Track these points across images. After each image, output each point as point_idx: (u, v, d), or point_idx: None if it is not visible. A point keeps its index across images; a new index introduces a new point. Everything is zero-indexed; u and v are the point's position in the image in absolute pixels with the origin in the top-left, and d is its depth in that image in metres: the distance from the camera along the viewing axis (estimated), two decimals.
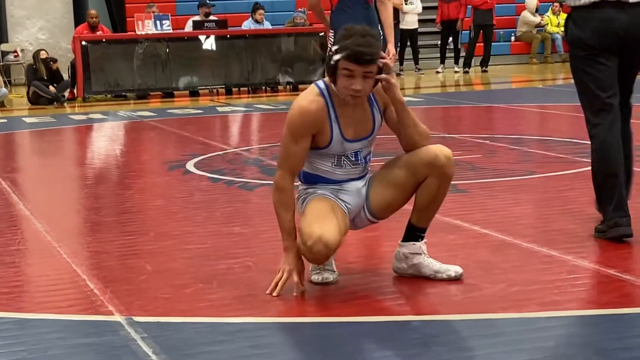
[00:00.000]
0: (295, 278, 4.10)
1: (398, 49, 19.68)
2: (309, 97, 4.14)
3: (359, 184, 4.35)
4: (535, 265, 4.51)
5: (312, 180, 4.33)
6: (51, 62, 15.43)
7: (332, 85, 4.10)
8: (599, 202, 5.02)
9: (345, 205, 4.25)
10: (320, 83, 4.19)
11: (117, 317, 3.89)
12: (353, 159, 4.30)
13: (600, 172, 4.92)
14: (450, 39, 19.60)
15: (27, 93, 15.65)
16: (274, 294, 4.08)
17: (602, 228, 4.93)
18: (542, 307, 3.81)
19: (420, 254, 4.31)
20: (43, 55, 15.60)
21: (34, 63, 15.63)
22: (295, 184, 4.29)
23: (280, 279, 4.11)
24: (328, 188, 4.27)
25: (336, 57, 3.98)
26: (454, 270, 4.26)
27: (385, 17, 7.08)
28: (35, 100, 15.34)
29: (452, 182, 6.52)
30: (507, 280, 4.25)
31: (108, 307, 4.04)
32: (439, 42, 20.10)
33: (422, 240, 4.33)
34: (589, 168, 6.31)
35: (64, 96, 15.43)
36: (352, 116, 4.20)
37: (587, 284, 4.15)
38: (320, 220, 4.09)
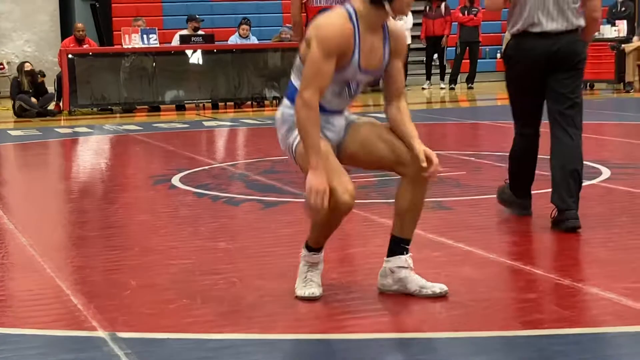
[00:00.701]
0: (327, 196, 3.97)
1: None
2: (342, 19, 4.10)
3: (342, 121, 4.33)
4: (519, 283, 4.54)
5: None
6: (39, 76, 15.42)
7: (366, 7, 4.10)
8: (516, 191, 6.02)
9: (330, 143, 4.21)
10: (349, 8, 4.14)
11: (101, 333, 3.88)
12: (353, 89, 4.28)
13: (519, 169, 5.99)
14: (436, 55, 19.66)
15: (13, 106, 15.62)
16: (325, 205, 3.95)
17: (509, 198, 6.07)
18: (526, 326, 3.82)
19: (406, 267, 4.30)
20: (27, 67, 15.58)
21: (18, 76, 15.61)
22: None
23: (322, 195, 3.94)
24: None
25: None
26: (438, 287, 4.27)
27: None
28: (21, 113, 15.32)
29: (438, 200, 6.61)
30: (491, 298, 4.25)
31: (92, 322, 4.03)
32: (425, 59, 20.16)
33: (407, 253, 4.33)
34: None
35: (52, 110, 15.41)
36: (370, 47, 4.17)
37: (570, 303, 4.15)
38: (335, 174, 4.05)
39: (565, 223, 5.49)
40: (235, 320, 4.04)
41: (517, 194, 6.05)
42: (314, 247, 4.37)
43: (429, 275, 4.44)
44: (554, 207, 5.65)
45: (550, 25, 5.63)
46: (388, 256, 4.35)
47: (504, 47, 6.11)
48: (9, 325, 4.10)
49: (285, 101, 4.34)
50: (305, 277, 4.35)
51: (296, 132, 4.17)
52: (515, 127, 6.02)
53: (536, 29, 5.65)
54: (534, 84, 5.76)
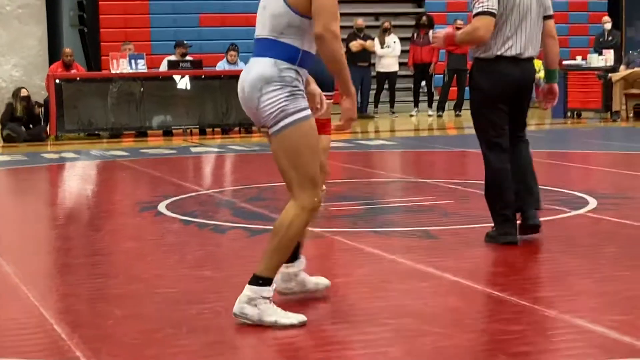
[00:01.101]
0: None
1: (374, 92, 19.81)
2: None
3: None
4: (506, 314, 4.52)
5: (304, 61, 4.38)
6: (35, 106, 15.43)
7: None
8: (492, 213, 6.12)
9: None
10: None
11: None
12: None
13: (492, 192, 6.10)
14: (424, 82, 19.72)
15: (1, 131, 15.61)
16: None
17: (493, 234, 6.10)
18: (512, 358, 3.82)
19: (303, 269, 4.79)
20: (24, 93, 15.57)
21: (13, 101, 15.59)
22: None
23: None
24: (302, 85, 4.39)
25: None
26: (324, 283, 4.84)
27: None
28: (10, 139, 15.30)
29: (425, 228, 6.62)
30: (477, 329, 4.26)
31: (75, 352, 4.01)
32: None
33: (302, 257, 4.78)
34: (562, 216, 6.58)
35: (39, 135, 15.44)
36: None
37: (557, 335, 4.14)
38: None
39: (530, 221, 6.11)
40: (221, 350, 4.03)
41: (500, 216, 6.12)
42: (271, 277, 4.42)
43: (415, 306, 4.46)
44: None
45: (529, 51, 6.03)
46: (289, 262, 4.66)
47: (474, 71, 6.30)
48: None
49: (282, 63, 4.29)
50: (279, 310, 4.36)
51: (299, 100, 4.32)
52: (486, 153, 6.16)
53: (522, 54, 5.99)
54: (505, 106, 6.07)
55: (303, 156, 4.32)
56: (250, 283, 4.39)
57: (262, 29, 4.41)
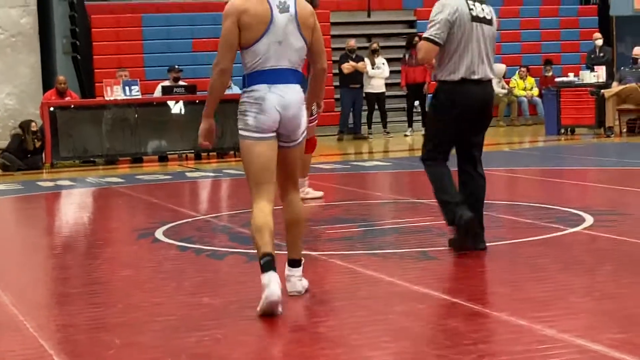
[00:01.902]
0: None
1: (366, 112, 19.84)
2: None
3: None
4: (505, 335, 4.51)
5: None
6: (37, 141, 15.47)
7: None
8: (444, 207, 6.50)
9: None
10: None
11: None
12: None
13: (437, 188, 6.55)
14: (417, 102, 19.74)
15: None
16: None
17: (461, 218, 6.35)
18: None
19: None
20: (34, 127, 15.59)
21: (23, 134, 15.60)
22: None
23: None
24: None
25: None
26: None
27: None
28: (5, 168, 15.32)
29: (423, 249, 6.62)
30: (477, 350, 4.24)
31: None
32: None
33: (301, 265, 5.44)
34: (559, 234, 6.62)
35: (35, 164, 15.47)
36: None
37: (557, 355, 4.13)
38: None
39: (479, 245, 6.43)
40: None
41: (451, 203, 6.48)
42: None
43: (415, 328, 4.44)
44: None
45: (482, 74, 6.36)
46: (294, 267, 5.41)
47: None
48: None
49: (301, 89, 5.27)
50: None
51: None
52: (425, 164, 6.65)
53: (474, 77, 6.31)
54: (460, 128, 6.42)
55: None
56: (294, 266, 5.40)
57: (278, 61, 5.17)
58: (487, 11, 6.41)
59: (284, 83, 5.17)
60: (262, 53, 5.16)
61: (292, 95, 5.17)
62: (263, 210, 5.14)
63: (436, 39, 6.27)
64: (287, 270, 5.40)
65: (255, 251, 5.18)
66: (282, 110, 5.13)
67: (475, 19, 6.33)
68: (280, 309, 4.97)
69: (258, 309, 5.01)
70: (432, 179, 6.58)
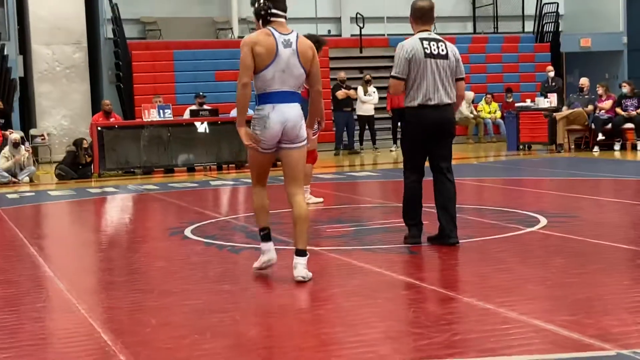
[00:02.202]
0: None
1: (358, 132, 19.88)
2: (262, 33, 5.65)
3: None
4: (474, 317, 4.51)
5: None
6: (88, 156, 15.47)
7: None
8: (405, 221, 6.66)
9: None
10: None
11: None
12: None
13: (407, 205, 6.60)
14: (400, 123, 19.74)
15: (55, 170, 15.64)
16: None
17: (406, 236, 6.66)
18: (481, 354, 3.80)
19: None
20: (85, 144, 15.60)
21: (76, 150, 15.61)
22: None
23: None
24: None
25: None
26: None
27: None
28: (61, 177, 15.33)
29: (405, 246, 6.61)
30: (451, 329, 4.24)
31: (119, 356, 3.99)
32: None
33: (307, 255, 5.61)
34: (518, 232, 6.63)
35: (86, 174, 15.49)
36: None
37: (517, 333, 4.13)
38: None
39: (448, 240, 6.46)
40: (238, 352, 4.01)
41: (408, 225, 6.67)
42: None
43: (399, 312, 4.44)
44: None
45: (437, 100, 6.39)
46: (300, 256, 5.52)
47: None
48: None
49: (298, 105, 5.60)
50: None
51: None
52: (404, 176, 6.67)
53: (430, 103, 6.37)
54: (424, 145, 6.49)
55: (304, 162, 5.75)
56: (300, 255, 5.52)
57: (282, 85, 5.52)
58: (442, 48, 6.43)
59: (286, 102, 5.53)
60: (269, 78, 5.50)
61: (291, 111, 5.53)
62: (259, 193, 5.78)
63: (398, 75, 6.47)
64: (295, 259, 5.53)
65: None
66: (284, 123, 5.50)
67: (429, 55, 6.38)
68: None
69: (257, 265, 5.78)
70: (403, 200, 6.69)
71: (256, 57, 5.46)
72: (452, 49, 6.51)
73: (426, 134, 6.45)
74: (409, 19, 6.62)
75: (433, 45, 6.42)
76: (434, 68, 6.40)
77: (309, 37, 7.50)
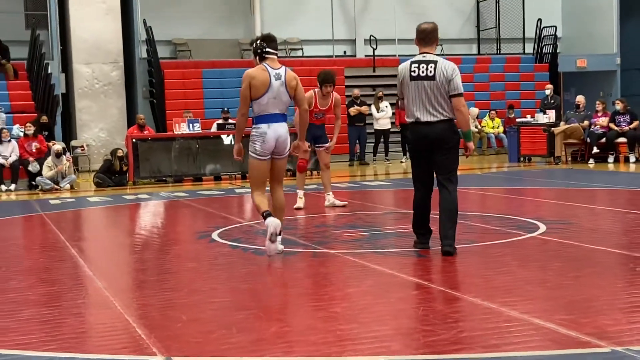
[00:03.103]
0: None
1: (370, 144, 19.87)
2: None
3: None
4: (479, 315, 4.49)
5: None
6: (124, 165, 15.55)
7: None
8: (413, 229, 6.66)
9: None
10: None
11: (160, 358, 3.85)
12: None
13: (414, 215, 6.58)
14: None
15: (93, 178, 15.73)
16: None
17: (417, 244, 6.63)
18: (485, 349, 3.79)
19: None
20: (120, 153, 15.68)
21: (112, 158, 15.70)
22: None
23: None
24: None
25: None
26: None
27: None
28: (99, 185, 15.41)
29: (416, 249, 6.60)
30: (457, 327, 4.22)
31: (152, 349, 4.00)
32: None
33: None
34: (519, 238, 6.62)
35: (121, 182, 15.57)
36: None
37: (518, 331, 4.11)
38: None
39: (443, 247, 6.30)
40: (262, 346, 4.01)
41: (415, 233, 6.66)
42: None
43: (409, 311, 4.42)
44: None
45: (426, 117, 6.34)
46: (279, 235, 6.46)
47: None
48: (88, 352, 4.07)
49: (286, 124, 6.65)
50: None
51: None
52: (415, 189, 6.64)
53: (421, 120, 6.36)
54: (423, 158, 6.46)
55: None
56: (279, 234, 6.47)
57: (275, 108, 6.60)
58: (430, 70, 6.32)
59: (277, 122, 6.60)
60: (264, 104, 6.56)
61: (281, 129, 6.61)
62: (259, 196, 6.65)
63: (399, 96, 6.67)
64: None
65: (262, 223, 6.72)
66: (277, 138, 6.58)
67: (414, 78, 6.35)
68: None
69: (270, 231, 6.41)
70: (413, 211, 6.66)
71: (253, 89, 6.53)
72: (444, 70, 6.31)
73: (420, 148, 6.44)
74: (415, 40, 6.60)
75: (422, 67, 6.34)
76: (419, 89, 6.34)
77: (327, 73, 9.21)
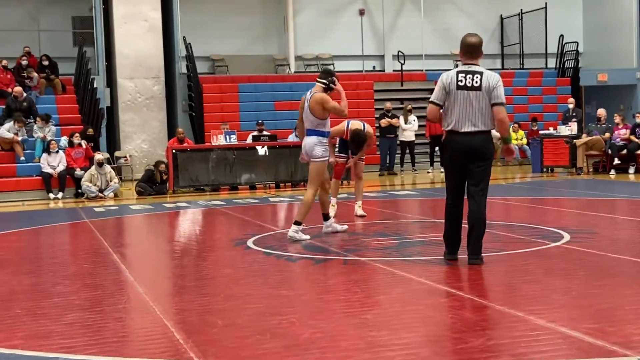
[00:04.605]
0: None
1: (398, 155, 19.77)
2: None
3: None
4: (506, 323, 4.39)
5: (325, 136, 8.11)
6: (164, 175, 15.62)
7: None
8: (444, 239, 6.46)
9: None
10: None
11: None
12: None
13: (445, 225, 6.41)
14: (437, 147, 19.59)
15: (135, 187, 15.81)
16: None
17: (446, 255, 6.45)
18: (514, 357, 3.69)
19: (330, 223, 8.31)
20: (162, 167, 15.75)
21: (154, 170, 15.78)
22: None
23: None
24: None
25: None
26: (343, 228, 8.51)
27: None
28: (140, 193, 15.48)
29: (438, 257, 6.49)
30: (485, 335, 4.13)
31: (190, 353, 3.96)
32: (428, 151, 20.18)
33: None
34: (544, 247, 6.48)
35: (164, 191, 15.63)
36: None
37: (545, 339, 4.00)
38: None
39: (469, 260, 6.21)
40: (295, 352, 3.94)
41: (446, 242, 6.46)
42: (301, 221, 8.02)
43: (437, 317, 4.33)
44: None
45: (467, 127, 6.17)
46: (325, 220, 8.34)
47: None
48: (130, 356, 4.03)
49: (320, 138, 7.94)
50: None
51: (324, 152, 7.98)
52: (446, 201, 6.40)
53: (460, 130, 6.18)
54: (458, 168, 6.26)
55: (317, 172, 7.98)
56: (297, 224, 7.94)
57: (308, 125, 7.94)
58: (476, 80, 6.18)
59: (307, 135, 7.98)
60: (304, 120, 8.02)
61: (308, 140, 7.94)
62: (315, 193, 8.08)
63: (435, 101, 6.33)
64: (292, 226, 8.03)
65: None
66: (304, 147, 7.98)
67: (461, 87, 6.19)
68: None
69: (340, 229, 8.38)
70: (444, 221, 6.47)
71: (300, 110, 8.18)
72: (490, 80, 6.19)
73: (457, 158, 6.25)
74: (459, 52, 6.46)
75: (468, 77, 6.21)
76: (465, 99, 6.19)
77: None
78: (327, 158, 7.94)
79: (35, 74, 19.14)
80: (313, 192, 7.98)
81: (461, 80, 6.22)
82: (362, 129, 9.82)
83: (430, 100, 6.43)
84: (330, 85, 7.94)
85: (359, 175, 10.25)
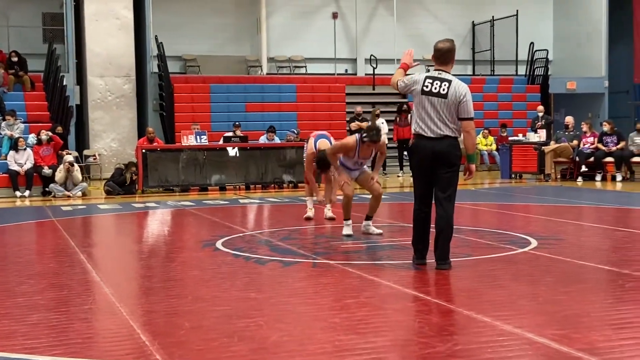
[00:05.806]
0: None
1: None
2: (353, 140, 8.51)
3: (357, 172, 8.74)
4: (473, 328, 4.40)
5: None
6: (134, 176, 15.47)
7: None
8: (412, 244, 6.45)
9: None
10: (357, 137, 8.50)
11: None
12: (359, 164, 8.69)
13: (413, 230, 6.40)
14: (406, 152, 19.67)
15: (104, 186, 15.64)
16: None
17: (414, 260, 6.41)
18: None
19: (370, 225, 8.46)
20: (133, 169, 15.59)
21: (125, 170, 15.61)
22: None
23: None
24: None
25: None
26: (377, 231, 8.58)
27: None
28: (109, 192, 15.33)
29: (411, 262, 6.50)
30: (452, 340, 4.14)
31: (156, 356, 3.91)
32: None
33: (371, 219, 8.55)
34: (512, 252, 6.52)
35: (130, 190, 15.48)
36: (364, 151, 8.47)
37: (512, 345, 4.02)
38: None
39: (437, 265, 6.22)
40: (262, 355, 3.92)
41: (415, 247, 6.45)
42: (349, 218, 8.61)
43: (406, 322, 4.32)
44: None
45: (430, 133, 6.17)
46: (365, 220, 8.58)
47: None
48: (94, 357, 3.98)
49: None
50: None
51: None
52: (415, 201, 6.40)
53: (425, 134, 6.18)
54: (425, 173, 6.24)
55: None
56: (367, 219, 8.69)
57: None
58: (444, 87, 6.14)
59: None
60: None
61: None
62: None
63: (401, 80, 6.38)
64: (364, 222, 8.73)
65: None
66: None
67: (426, 92, 6.17)
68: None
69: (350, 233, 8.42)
70: (413, 226, 6.47)
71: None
72: (457, 91, 6.16)
73: (424, 163, 6.20)
74: (432, 57, 6.45)
75: (436, 83, 6.16)
76: (429, 104, 6.16)
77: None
78: (355, 172, 8.71)
79: (1, 70, 18.87)
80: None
81: (427, 86, 6.19)
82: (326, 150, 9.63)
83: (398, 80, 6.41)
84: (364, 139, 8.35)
85: (333, 179, 10.20)
